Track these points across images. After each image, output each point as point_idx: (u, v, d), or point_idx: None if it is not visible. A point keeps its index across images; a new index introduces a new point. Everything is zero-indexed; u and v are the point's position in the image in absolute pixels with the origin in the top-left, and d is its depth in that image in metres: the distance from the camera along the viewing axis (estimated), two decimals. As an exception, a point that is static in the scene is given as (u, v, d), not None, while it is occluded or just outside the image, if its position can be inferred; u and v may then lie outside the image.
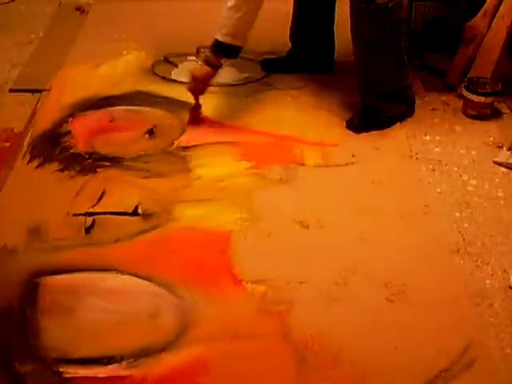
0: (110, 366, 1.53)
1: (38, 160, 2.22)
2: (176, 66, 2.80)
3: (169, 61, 2.83)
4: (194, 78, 2.36)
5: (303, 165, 2.20)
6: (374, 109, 2.40)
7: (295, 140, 2.32)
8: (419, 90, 2.61)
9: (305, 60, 2.70)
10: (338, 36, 2.67)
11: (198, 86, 2.37)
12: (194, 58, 2.85)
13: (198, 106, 2.41)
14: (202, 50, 2.90)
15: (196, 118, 2.41)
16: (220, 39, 2.23)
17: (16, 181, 2.14)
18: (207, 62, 2.31)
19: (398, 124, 2.41)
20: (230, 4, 2.18)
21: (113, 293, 1.73)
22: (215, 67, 2.32)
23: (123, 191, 2.08)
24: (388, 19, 2.24)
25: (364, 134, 2.36)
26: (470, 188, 2.12)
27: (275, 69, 2.76)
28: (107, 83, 2.65)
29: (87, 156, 2.24)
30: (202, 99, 2.41)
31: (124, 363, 1.53)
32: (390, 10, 2.21)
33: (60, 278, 1.77)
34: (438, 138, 2.37)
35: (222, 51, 2.27)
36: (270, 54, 2.83)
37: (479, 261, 1.83)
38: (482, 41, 2.52)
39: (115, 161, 2.21)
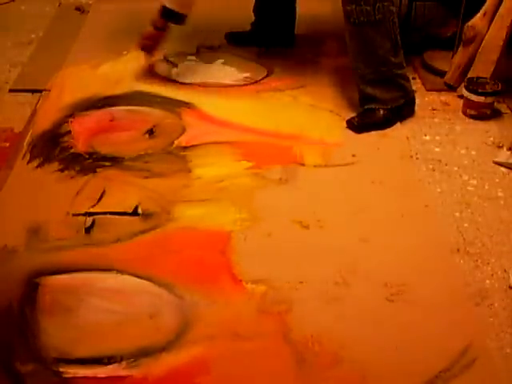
0: (110, 366, 1.53)
1: (38, 160, 2.22)
2: (176, 65, 2.80)
3: (169, 60, 2.83)
4: (144, 37, 2.66)
5: (303, 165, 2.20)
6: (373, 99, 2.38)
7: (295, 140, 2.32)
8: (419, 90, 2.61)
9: (266, 33, 2.84)
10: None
11: (147, 44, 2.67)
12: (193, 57, 2.85)
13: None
14: (201, 49, 2.91)
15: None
16: (169, 6, 2.51)
17: (16, 181, 2.14)
18: (155, 26, 2.59)
19: (398, 124, 2.41)
20: None
21: (113, 293, 1.73)
22: (162, 30, 2.61)
23: (123, 191, 2.08)
24: None
25: (364, 134, 2.36)
26: (470, 188, 2.12)
27: (239, 41, 2.92)
28: (107, 83, 2.65)
29: (87, 156, 2.24)
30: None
31: (124, 363, 1.54)
32: None
33: (60, 277, 1.77)
34: (438, 138, 2.37)
35: (170, 17, 2.54)
36: (268, 53, 2.84)
37: (479, 261, 1.83)
38: (481, 41, 2.52)
39: (115, 161, 2.21)
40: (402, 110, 2.43)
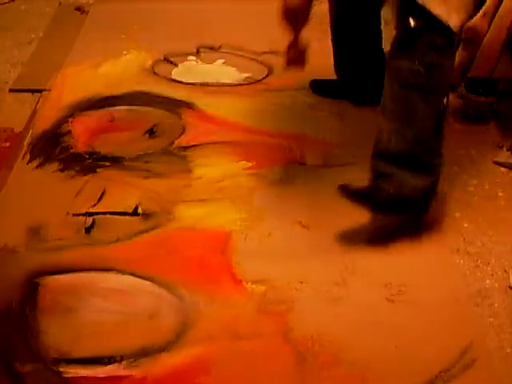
0: (110, 366, 1.53)
1: (38, 160, 2.22)
2: (176, 65, 2.80)
3: (169, 61, 2.83)
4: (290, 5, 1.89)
5: (303, 165, 2.20)
6: (385, 177, 1.82)
7: (295, 140, 2.32)
8: (419, 90, 2.60)
9: (355, 90, 2.44)
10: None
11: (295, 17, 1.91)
12: (193, 57, 2.85)
13: (296, 42, 2.00)
14: (201, 50, 2.91)
15: (296, 57, 2.04)
16: None
17: (16, 181, 2.14)
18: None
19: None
20: None
21: (113, 293, 1.73)
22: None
23: (123, 191, 2.08)
24: (435, 56, 1.71)
25: (364, 135, 2.34)
26: (470, 188, 2.12)
27: (326, 92, 2.55)
28: (107, 83, 2.65)
29: (87, 156, 2.24)
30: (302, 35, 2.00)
31: (124, 363, 1.54)
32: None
33: (60, 277, 1.77)
34: (437, 137, 2.37)
35: None
36: (269, 53, 2.83)
37: (479, 261, 1.83)
38: (482, 41, 2.52)
39: (115, 161, 2.21)
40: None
